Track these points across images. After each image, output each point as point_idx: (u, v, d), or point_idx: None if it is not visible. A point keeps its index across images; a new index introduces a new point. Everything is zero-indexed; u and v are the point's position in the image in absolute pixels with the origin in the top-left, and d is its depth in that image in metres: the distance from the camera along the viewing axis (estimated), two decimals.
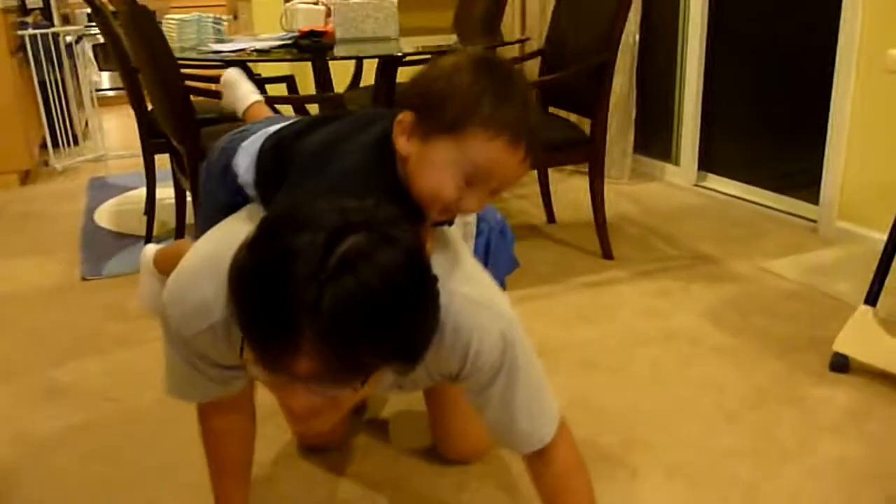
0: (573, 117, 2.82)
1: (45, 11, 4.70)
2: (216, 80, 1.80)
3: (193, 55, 2.53)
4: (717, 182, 3.45)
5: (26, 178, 3.96)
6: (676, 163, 3.59)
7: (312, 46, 2.50)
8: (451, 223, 1.16)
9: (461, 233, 1.31)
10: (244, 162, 1.20)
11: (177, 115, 2.29)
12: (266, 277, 0.80)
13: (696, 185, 3.50)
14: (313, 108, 2.82)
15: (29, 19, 4.37)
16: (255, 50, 2.46)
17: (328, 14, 2.83)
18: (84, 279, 2.57)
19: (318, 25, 2.77)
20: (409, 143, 1.01)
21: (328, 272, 0.78)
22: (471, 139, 0.97)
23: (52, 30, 4.25)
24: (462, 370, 1.08)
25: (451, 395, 1.49)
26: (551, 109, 2.78)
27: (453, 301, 1.02)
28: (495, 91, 0.98)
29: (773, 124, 3.18)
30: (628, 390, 1.83)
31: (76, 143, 4.56)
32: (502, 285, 1.53)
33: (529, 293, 2.38)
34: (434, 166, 1.00)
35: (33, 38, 4.08)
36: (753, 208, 3.16)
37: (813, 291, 2.33)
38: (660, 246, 2.78)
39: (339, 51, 2.55)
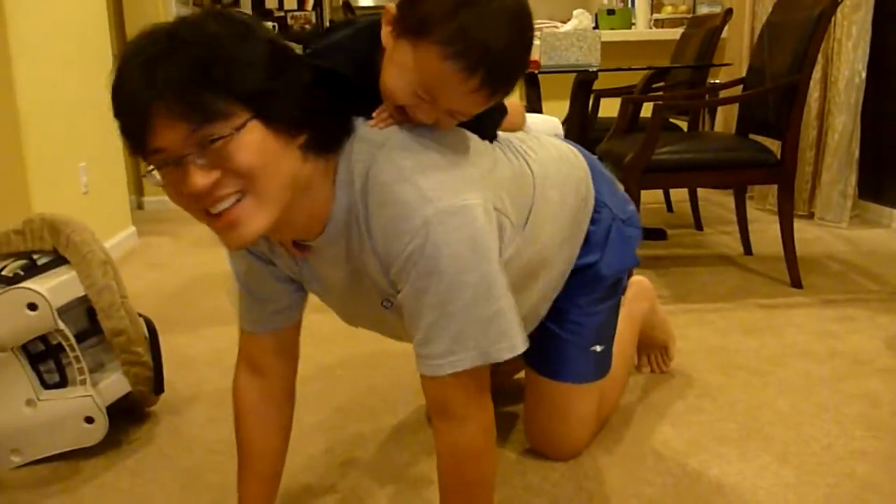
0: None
1: None
2: None
3: None
4: None
5: None
6: None
7: None
8: (491, 137, 1.13)
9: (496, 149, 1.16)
10: None
11: None
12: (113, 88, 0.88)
13: None
14: None
15: None
16: None
17: None
18: None
19: (535, 57, 3.02)
20: (388, 35, 0.97)
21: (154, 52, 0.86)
22: (425, 51, 0.91)
23: None
24: (387, 260, 1.00)
25: (546, 392, 1.48)
26: (752, 136, 2.77)
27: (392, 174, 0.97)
28: (474, 9, 0.89)
29: None
30: (767, 391, 1.79)
31: None
32: (622, 277, 1.49)
33: (697, 307, 2.37)
34: (393, 66, 0.96)
35: None
36: None
37: None
38: (860, 281, 2.62)
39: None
